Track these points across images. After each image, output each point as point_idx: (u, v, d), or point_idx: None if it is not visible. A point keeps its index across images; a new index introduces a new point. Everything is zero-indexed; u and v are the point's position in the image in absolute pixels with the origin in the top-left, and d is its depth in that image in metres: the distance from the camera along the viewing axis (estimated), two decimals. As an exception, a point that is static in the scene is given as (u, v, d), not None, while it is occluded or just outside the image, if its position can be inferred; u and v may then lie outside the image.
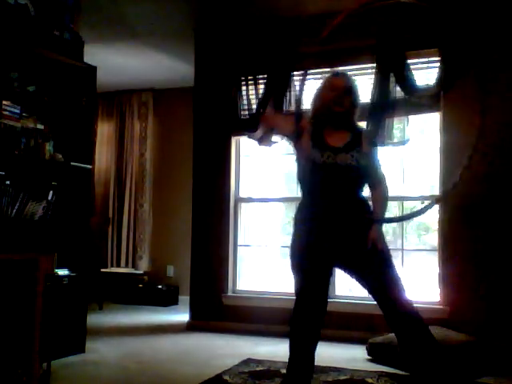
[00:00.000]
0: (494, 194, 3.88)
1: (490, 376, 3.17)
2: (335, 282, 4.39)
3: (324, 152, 2.55)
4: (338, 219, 2.50)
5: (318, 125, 2.64)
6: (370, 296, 2.59)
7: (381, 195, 2.62)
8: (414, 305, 2.54)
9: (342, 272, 2.70)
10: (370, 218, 2.54)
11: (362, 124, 4.13)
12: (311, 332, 2.61)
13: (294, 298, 2.62)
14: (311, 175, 2.60)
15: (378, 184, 2.63)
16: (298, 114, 2.87)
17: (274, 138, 4.56)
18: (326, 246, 2.53)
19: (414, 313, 2.49)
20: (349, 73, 4.43)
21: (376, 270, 2.51)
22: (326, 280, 2.64)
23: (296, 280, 2.63)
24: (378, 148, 2.71)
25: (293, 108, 4.41)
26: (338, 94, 2.56)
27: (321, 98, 2.63)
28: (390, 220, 2.80)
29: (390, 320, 2.53)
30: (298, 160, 2.66)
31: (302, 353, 2.61)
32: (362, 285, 2.61)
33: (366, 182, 2.63)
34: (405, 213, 4.33)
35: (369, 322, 3.98)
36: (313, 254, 2.57)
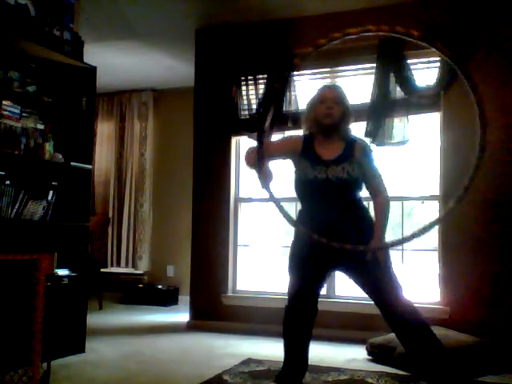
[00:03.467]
0: (494, 194, 3.88)
1: (490, 376, 3.17)
2: (335, 282, 4.39)
3: (316, 166, 2.58)
4: (334, 231, 2.50)
5: (310, 138, 2.67)
6: (368, 297, 2.61)
7: (380, 206, 2.61)
8: (414, 304, 2.55)
9: (341, 273, 2.72)
10: (368, 246, 2.51)
11: (362, 124, 4.16)
12: (302, 332, 2.66)
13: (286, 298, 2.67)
14: (304, 189, 2.64)
15: (376, 194, 2.63)
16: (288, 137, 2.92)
17: (274, 137, 4.57)
18: (322, 252, 2.54)
19: (414, 312, 2.49)
20: (350, 72, 4.51)
21: (373, 271, 2.51)
22: (320, 282, 2.67)
23: (290, 280, 2.67)
24: (376, 152, 2.72)
25: (293, 108, 4.42)
26: (327, 106, 2.60)
27: (311, 110, 2.68)
28: (392, 244, 2.78)
29: (389, 321, 2.54)
30: (295, 173, 2.70)
31: (294, 352, 2.68)
32: (360, 286, 2.62)
33: (360, 191, 2.64)
34: (406, 231, 4.34)
35: (369, 322, 3.98)
36: (309, 257, 2.60)
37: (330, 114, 2.59)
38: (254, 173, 2.63)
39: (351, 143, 2.63)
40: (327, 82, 4.53)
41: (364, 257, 2.48)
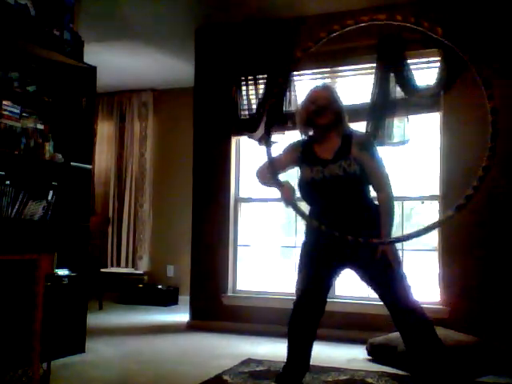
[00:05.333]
0: (494, 194, 3.88)
1: (490, 376, 3.17)
2: (335, 282, 4.39)
3: (314, 167, 2.58)
4: (339, 229, 2.46)
5: (309, 141, 2.67)
6: (378, 297, 2.59)
7: (383, 203, 2.57)
8: (422, 306, 2.54)
9: (348, 272, 2.70)
10: (373, 242, 2.48)
11: (362, 124, 4.16)
12: (307, 332, 2.66)
13: (294, 297, 2.65)
14: (305, 192, 2.63)
15: (378, 190, 2.59)
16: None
17: (275, 137, 4.57)
18: (331, 250, 2.54)
19: (421, 313, 2.49)
20: (350, 72, 4.51)
21: (383, 270, 2.50)
22: (328, 282, 2.66)
23: (298, 280, 2.66)
24: (378, 150, 2.69)
25: (293, 108, 4.41)
26: (319, 106, 2.59)
27: (303, 112, 2.67)
28: (397, 240, 2.75)
29: (396, 320, 2.53)
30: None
31: (297, 351, 2.67)
32: (369, 285, 2.61)
33: (363, 187, 2.60)
34: (410, 228, 4.33)
35: (369, 322, 3.98)
36: (318, 257, 2.60)
37: (321, 113, 2.58)
38: (274, 190, 2.63)
39: (349, 139, 2.59)
40: (326, 82, 4.53)
41: (373, 255, 2.47)
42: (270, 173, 2.55)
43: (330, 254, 2.57)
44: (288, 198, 2.51)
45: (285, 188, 2.52)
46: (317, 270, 2.61)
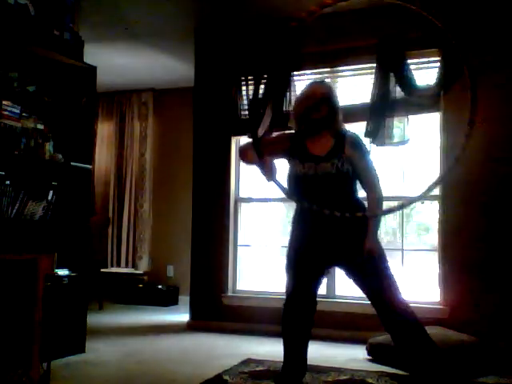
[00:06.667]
0: (494, 194, 3.88)
1: (490, 376, 3.16)
2: (335, 282, 4.39)
3: (305, 163, 2.59)
4: (327, 225, 2.51)
5: (300, 134, 2.67)
6: (365, 296, 2.61)
7: (372, 202, 2.61)
8: (411, 305, 2.55)
9: (341, 272, 2.73)
10: (364, 214, 2.53)
11: (362, 124, 4.16)
12: (301, 331, 2.67)
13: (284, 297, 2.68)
14: (295, 186, 2.64)
15: (369, 189, 2.61)
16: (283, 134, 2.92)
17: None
18: (318, 249, 2.56)
19: (409, 314, 2.50)
20: (350, 72, 4.50)
21: (370, 271, 2.52)
22: (317, 281, 2.67)
23: (287, 279, 2.68)
24: (371, 150, 2.71)
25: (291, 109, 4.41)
26: (314, 101, 2.61)
27: (299, 106, 2.69)
28: (390, 211, 2.78)
29: (385, 320, 2.55)
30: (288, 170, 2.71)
31: (293, 351, 2.68)
32: (357, 285, 2.62)
33: (353, 186, 2.63)
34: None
35: (369, 322, 3.97)
36: (306, 256, 2.61)
37: (317, 108, 2.60)
38: (255, 168, 2.63)
39: (342, 138, 2.62)
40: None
41: (361, 253, 2.49)
42: (255, 153, 2.47)
43: (317, 251, 2.58)
44: (269, 174, 2.48)
45: (266, 165, 2.48)
46: (305, 268, 2.62)
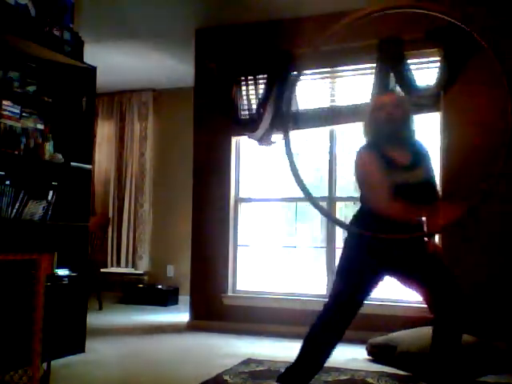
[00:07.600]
0: (496, 194, 3.88)
1: (491, 376, 3.17)
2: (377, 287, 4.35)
3: (393, 171, 2.47)
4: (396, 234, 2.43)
5: (376, 147, 2.55)
6: (422, 300, 2.59)
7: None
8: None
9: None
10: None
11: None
12: (339, 334, 2.60)
13: (326, 299, 2.61)
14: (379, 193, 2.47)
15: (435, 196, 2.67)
16: None
17: (274, 137, 4.57)
18: (377, 255, 2.49)
19: (462, 315, 2.55)
20: (350, 72, 4.50)
21: (433, 266, 2.50)
22: (367, 290, 2.60)
23: (336, 282, 2.60)
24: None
25: (293, 109, 4.41)
26: (387, 110, 2.53)
27: (371, 119, 2.59)
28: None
29: (438, 321, 2.57)
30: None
31: (319, 352, 2.60)
32: (413, 288, 2.59)
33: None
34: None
35: (369, 322, 3.97)
36: (362, 261, 2.53)
37: (390, 118, 2.52)
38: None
39: (416, 146, 2.61)
40: (327, 82, 4.54)
41: (425, 251, 2.49)
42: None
43: (375, 258, 2.50)
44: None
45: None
46: (356, 276, 2.54)
